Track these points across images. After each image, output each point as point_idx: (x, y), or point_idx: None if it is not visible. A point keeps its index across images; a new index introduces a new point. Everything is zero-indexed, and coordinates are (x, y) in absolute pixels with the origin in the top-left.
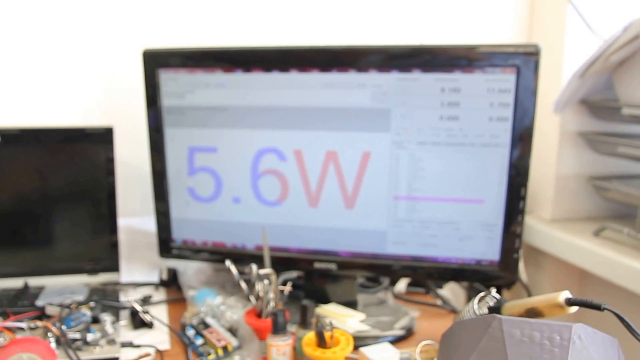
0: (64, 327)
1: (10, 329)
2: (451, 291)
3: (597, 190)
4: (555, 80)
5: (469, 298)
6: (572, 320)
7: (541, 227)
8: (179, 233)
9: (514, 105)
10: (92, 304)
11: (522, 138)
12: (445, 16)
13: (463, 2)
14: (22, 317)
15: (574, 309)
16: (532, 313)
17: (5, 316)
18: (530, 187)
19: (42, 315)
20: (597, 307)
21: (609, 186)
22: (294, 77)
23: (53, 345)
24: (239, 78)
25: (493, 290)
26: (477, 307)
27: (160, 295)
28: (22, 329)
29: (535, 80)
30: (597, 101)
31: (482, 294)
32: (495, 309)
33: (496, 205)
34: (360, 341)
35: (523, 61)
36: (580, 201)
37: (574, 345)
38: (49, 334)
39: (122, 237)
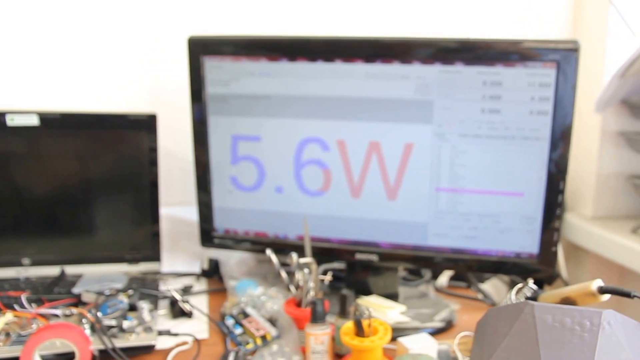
0: (99, 314)
1: (45, 316)
2: (493, 286)
3: (636, 189)
4: (597, 79)
5: None
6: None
7: (582, 225)
8: (221, 222)
9: (554, 99)
10: (130, 291)
11: (562, 132)
12: (491, 12)
13: None
14: (57, 304)
15: (606, 297)
16: (566, 302)
17: (41, 303)
18: (571, 185)
19: (78, 302)
20: (627, 295)
21: None
22: (339, 67)
23: (87, 331)
24: (284, 67)
25: (530, 281)
26: (515, 298)
27: (201, 285)
28: (56, 315)
29: (574, 75)
30: (638, 101)
31: (519, 285)
32: (531, 299)
33: (536, 199)
34: (399, 332)
35: (563, 56)
36: (620, 199)
37: (604, 331)
38: (84, 321)
39: (164, 226)
